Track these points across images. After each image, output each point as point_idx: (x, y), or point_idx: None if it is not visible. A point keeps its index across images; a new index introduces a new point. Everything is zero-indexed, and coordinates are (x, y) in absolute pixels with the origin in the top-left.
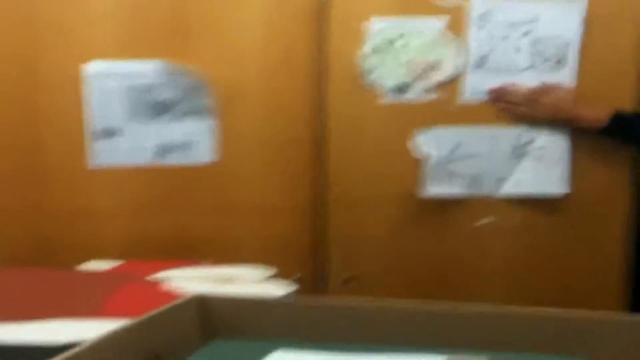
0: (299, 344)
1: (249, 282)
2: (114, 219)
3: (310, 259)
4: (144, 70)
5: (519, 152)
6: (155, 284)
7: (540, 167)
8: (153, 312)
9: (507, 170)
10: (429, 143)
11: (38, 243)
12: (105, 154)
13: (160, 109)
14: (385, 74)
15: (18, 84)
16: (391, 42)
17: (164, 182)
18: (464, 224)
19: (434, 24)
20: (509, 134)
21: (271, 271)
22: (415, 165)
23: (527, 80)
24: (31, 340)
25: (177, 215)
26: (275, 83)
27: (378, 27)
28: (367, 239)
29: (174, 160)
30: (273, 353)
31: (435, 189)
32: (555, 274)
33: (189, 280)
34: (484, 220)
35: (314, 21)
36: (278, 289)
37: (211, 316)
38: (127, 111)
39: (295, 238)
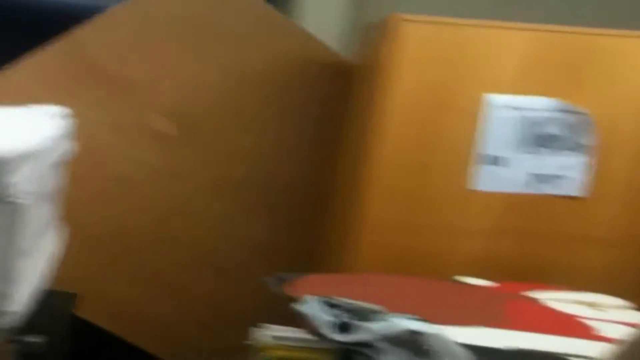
0: None
1: (613, 308)
2: (474, 238)
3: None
4: (538, 105)
5: None
6: (535, 301)
7: None
8: (629, 339)
9: None
10: None
11: (404, 253)
12: (485, 179)
13: (544, 142)
14: None
15: (424, 108)
16: None
17: (530, 210)
18: None
19: None
20: None
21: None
22: None
23: None
24: (481, 343)
25: (533, 241)
26: None
27: None
28: None
29: (545, 190)
30: None
31: None
32: None
33: (557, 302)
34: None
35: None
36: None
37: None
38: (516, 142)
39: (626, 272)
